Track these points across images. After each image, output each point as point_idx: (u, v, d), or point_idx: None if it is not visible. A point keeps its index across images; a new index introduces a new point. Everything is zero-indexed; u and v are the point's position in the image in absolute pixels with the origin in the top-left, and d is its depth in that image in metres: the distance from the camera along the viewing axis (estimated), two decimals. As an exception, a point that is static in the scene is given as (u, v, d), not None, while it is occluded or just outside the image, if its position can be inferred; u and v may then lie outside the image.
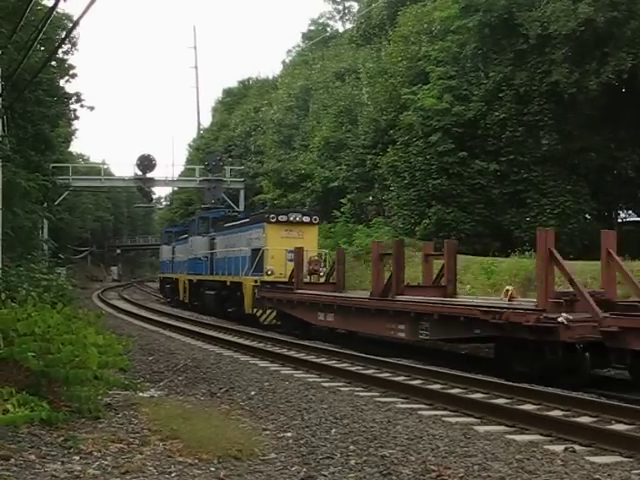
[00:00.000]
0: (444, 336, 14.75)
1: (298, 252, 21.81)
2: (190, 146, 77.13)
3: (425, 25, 34.63)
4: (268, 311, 23.33)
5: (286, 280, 22.72)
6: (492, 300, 15.28)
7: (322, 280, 22.42)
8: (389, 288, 16.43)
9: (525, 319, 11.95)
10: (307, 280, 22.07)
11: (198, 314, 29.64)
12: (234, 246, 27.65)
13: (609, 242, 12.77)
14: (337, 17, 63.17)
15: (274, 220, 24.86)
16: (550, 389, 10.69)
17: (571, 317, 11.57)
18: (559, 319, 11.52)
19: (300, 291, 20.78)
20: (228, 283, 27.24)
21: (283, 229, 24.78)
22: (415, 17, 35.93)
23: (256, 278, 24.34)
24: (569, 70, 27.83)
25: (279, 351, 16.38)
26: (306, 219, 25.40)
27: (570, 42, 27.61)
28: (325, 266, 23.57)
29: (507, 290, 14.32)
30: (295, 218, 25.18)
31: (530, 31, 28.89)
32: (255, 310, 23.93)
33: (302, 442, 7.45)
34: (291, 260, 22.62)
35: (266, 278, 24.07)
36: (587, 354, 11.68)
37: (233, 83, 75.22)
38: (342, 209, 37.94)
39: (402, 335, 15.69)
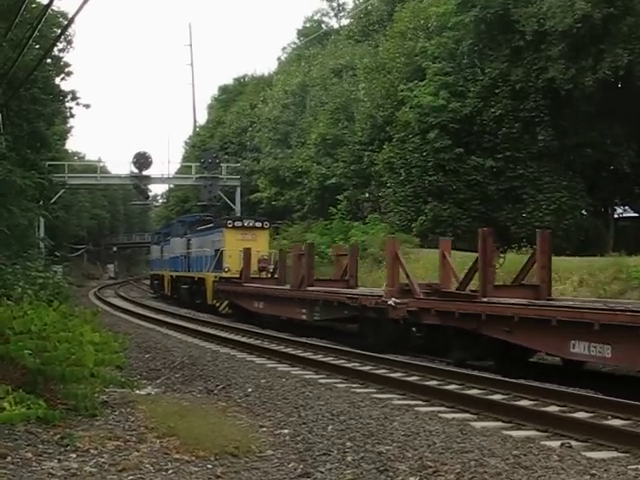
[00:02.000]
0: (327, 317, 19.19)
1: (247, 252, 26.00)
2: (186, 143, 77.11)
3: (422, 21, 34.61)
4: (225, 302, 27.35)
5: (239, 276, 26.13)
6: (374, 290, 18.72)
7: (269, 276, 26.16)
8: (303, 281, 20.41)
9: (369, 302, 16.15)
10: (256, 276, 26.14)
11: (176, 306, 32.88)
12: (202, 247, 31.97)
13: (445, 246, 15.95)
14: (331, 14, 63.06)
15: (231, 225, 29.62)
16: (547, 385, 10.70)
17: (398, 301, 15.13)
18: (389, 302, 15.26)
19: (246, 284, 24.88)
20: (196, 278, 31.55)
21: (239, 233, 29.17)
22: (412, 13, 35.90)
23: (216, 274, 28.56)
24: (565, 66, 27.82)
25: (276, 348, 16.38)
26: (258, 224, 30.06)
27: (566, 38, 27.60)
28: (271, 264, 26.97)
29: (386, 285, 17.30)
30: (249, 224, 29.88)
31: (526, 27, 28.87)
32: (215, 301, 28.20)
33: (299, 439, 7.45)
34: (249, 259, 26.12)
35: (224, 274, 28.10)
36: (413, 329, 15.36)
37: (229, 80, 75.17)
38: (338, 207, 37.92)
39: (304, 317, 20.13)
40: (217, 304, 28.05)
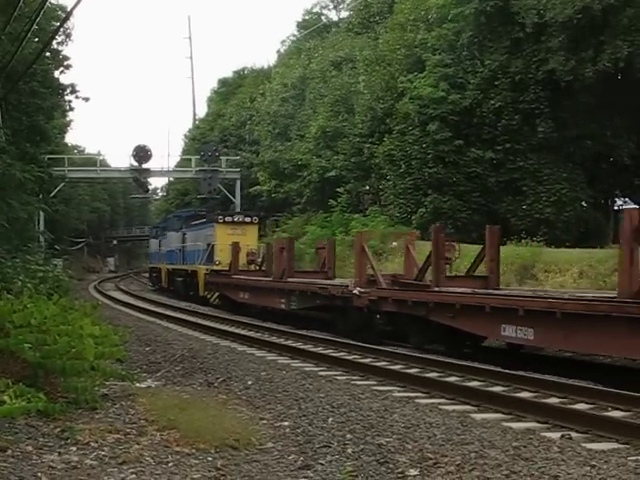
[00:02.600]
0: (303, 306, 20.47)
1: (235, 246, 27.36)
2: (186, 136, 76.86)
3: (422, 12, 34.50)
4: (215, 294, 28.91)
5: (228, 269, 27.41)
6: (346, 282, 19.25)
7: (257, 269, 27.09)
8: (284, 273, 22.03)
9: (337, 292, 17.51)
10: (245, 268, 27.34)
11: (175, 299, 33.76)
12: (196, 241, 33.52)
13: (409, 239, 17.73)
14: (331, 6, 62.85)
15: (222, 220, 31.12)
16: (547, 377, 10.71)
17: (362, 290, 16.42)
18: (354, 291, 16.53)
19: (235, 277, 26.20)
20: (189, 271, 33.10)
21: (229, 228, 30.66)
22: (412, 5, 35.79)
23: (207, 267, 30.11)
24: (565, 58, 27.76)
25: (276, 341, 16.41)
26: (247, 219, 31.73)
27: (566, 30, 27.53)
28: (259, 257, 27.89)
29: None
30: (238, 219, 31.56)
31: (526, 19, 28.80)
32: (206, 293, 29.77)
33: (299, 431, 7.46)
34: (238, 252, 27.48)
35: (214, 267, 29.61)
36: (377, 316, 16.41)
37: (228, 73, 75.00)
38: (339, 199, 37.90)
39: (283, 306, 21.45)
40: (208, 295, 29.64)
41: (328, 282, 19.63)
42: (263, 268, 25.91)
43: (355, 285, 16.94)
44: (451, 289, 14.56)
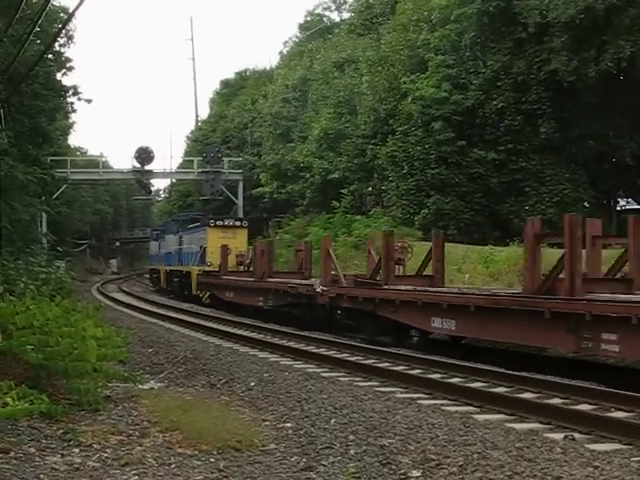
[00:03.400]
0: (277, 303, 22.10)
1: (224, 248, 29.07)
2: (188, 138, 76.91)
3: (425, 13, 34.49)
4: (207, 293, 30.66)
5: (218, 269, 29.27)
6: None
7: (245, 269, 28.26)
8: (264, 273, 23.81)
9: (303, 290, 19.36)
10: (234, 269, 28.71)
11: (176, 300, 34.66)
12: (191, 243, 35.41)
13: (370, 242, 19.26)
14: (333, 7, 62.89)
15: (213, 224, 33.12)
16: (549, 377, 10.70)
17: (325, 288, 18.05)
18: (317, 290, 18.19)
19: (224, 277, 27.95)
20: (184, 272, 34.80)
21: (220, 231, 32.57)
22: (415, 5, 35.79)
23: (200, 268, 31.92)
24: (568, 58, 27.76)
25: (278, 342, 16.40)
26: (237, 223, 34.17)
27: (569, 30, 27.53)
28: (248, 259, 28.80)
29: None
30: (229, 223, 33.81)
31: (529, 19, 28.80)
32: (198, 292, 31.50)
33: (302, 432, 7.46)
34: (227, 255, 29.29)
35: (206, 268, 31.42)
36: (338, 311, 18.29)
37: (230, 74, 74.92)
38: (342, 201, 37.91)
39: (261, 304, 23.22)
40: (200, 295, 31.40)
41: (298, 282, 20.95)
42: (251, 269, 26.95)
43: (319, 284, 18.58)
44: (395, 287, 16.07)
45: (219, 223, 33.40)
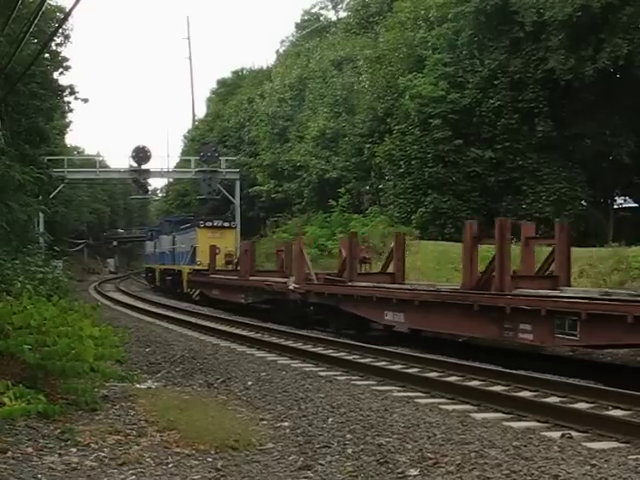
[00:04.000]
0: (255, 300, 23.93)
1: (212, 248, 30.96)
2: (185, 137, 76.78)
3: (423, 11, 34.45)
4: (196, 291, 31.99)
5: (207, 268, 30.91)
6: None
7: (233, 268, 29.55)
8: (246, 271, 25.50)
9: (277, 287, 21.31)
10: (222, 268, 30.53)
11: (170, 298, 35.72)
12: (182, 243, 37.13)
13: (344, 242, 20.28)
14: (330, 6, 62.79)
15: (203, 225, 34.83)
16: (548, 376, 10.71)
17: (296, 286, 19.75)
18: (289, 287, 19.99)
19: (212, 276, 29.63)
20: (176, 270, 36.67)
21: (209, 232, 34.17)
22: (412, 3, 35.74)
23: (190, 267, 33.72)
24: (565, 57, 27.75)
25: (276, 341, 16.41)
26: (226, 224, 35.93)
27: (566, 28, 27.53)
28: (236, 258, 30.25)
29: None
30: (218, 224, 35.29)
31: (526, 18, 28.79)
32: (189, 290, 33.04)
33: (299, 431, 7.46)
34: (215, 254, 31.15)
35: (196, 267, 33.10)
36: (310, 307, 19.63)
37: (227, 74, 74.88)
38: (339, 201, 37.88)
39: (242, 301, 24.95)
40: (191, 292, 32.85)
41: (275, 280, 22.51)
42: (238, 268, 27.97)
43: (292, 282, 20.21)
44: (356, 284, 17.72)
45: (208, 224, 35.05)
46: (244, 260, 26.36)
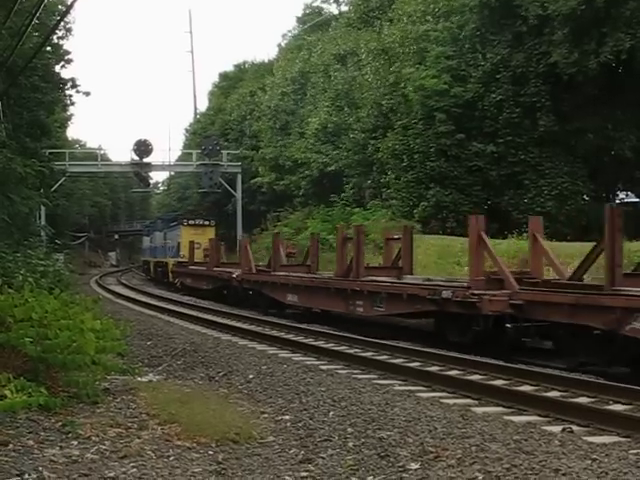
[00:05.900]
0: (213, 286, 28.92)
1: (191, 244, 35.47)
2: (187, 130, 76.74)
3: (432, 6, 34.25)
4: (179, 281, 35.94)
5: (187, 261, 35.47)
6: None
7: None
8: (213, 263, 30.03)
9: (225, 276, 26.54)
10: (201, 261, 34.47)
11: (169, 290, 37.44)
12: (171, 239, 42.37)
13: (277, 240, 24.80)
14: (331, 0, 62.52)
15: (186, 223, 40.11)
16: (549, 370, 10.71)
17: (236, 275, 24.82)
18: (233, 276, 24.98)
19: (190, 267, 34.29)
20: (164, 263, 41.66)
21: (192, 229, 39.39)
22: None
23: (175, 260, 38.55)
24: (568, 51, 27.70)
25: (277, 334, 16.39)
26: (206, 222, 40.74)
27: (569, 22, 27.48)
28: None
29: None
30: (199, 222, 40.63)
31: (529, 12, 28.74)
32: (173, 279, 37.47)
33: (300, 425, 7.46)
34: (196, 249, 35.37)
35: (180, 260, 37.67)
36: (250, 292, 24.06)
37: (229, 67, 74.71)
38: (344, 195, 37.84)
39: (205, 287, 30.08)
40: (175, 281, 36.96)
41: (226, 270, 27.18)
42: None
43: (237, 272, 24.88)
44: (275, 273, 22.50)
45: (191, 222, 40.36)
46: (212, 254, 31.08)
